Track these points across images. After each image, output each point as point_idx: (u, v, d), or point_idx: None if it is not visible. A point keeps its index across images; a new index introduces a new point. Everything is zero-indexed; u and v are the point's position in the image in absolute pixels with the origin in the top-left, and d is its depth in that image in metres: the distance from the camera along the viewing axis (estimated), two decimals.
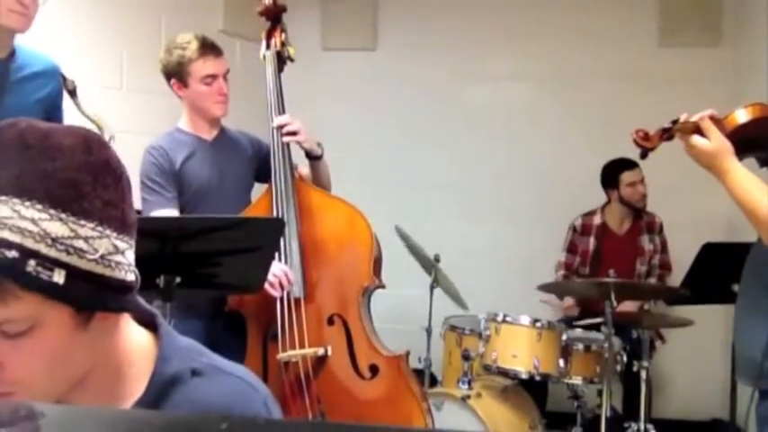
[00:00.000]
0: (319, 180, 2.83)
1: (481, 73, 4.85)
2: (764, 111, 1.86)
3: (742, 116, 1.85)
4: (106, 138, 2.36)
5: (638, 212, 4.19)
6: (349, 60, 4.96)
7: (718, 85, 4.42)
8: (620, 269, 3.66)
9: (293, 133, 2.73)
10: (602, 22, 4.68)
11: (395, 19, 4.94)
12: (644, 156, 1.88)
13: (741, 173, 1.76)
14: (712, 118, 1.82)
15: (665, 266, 4.15)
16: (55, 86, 2.48)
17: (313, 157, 2.80)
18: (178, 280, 2.12)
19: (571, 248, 4.33)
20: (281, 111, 2.80)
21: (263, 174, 2.86)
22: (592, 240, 4.26)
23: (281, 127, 2.74)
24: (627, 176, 4.12)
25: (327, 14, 4.99)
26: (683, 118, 1.84)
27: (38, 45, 2.53)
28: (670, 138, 1.84)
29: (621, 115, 4.60)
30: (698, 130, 1.80)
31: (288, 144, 2.76)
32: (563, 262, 4.33)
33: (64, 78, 2.44)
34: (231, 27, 4.42)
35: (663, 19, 4.60)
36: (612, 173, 4.18)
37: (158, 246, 2.06)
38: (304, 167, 2.84)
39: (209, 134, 2.81)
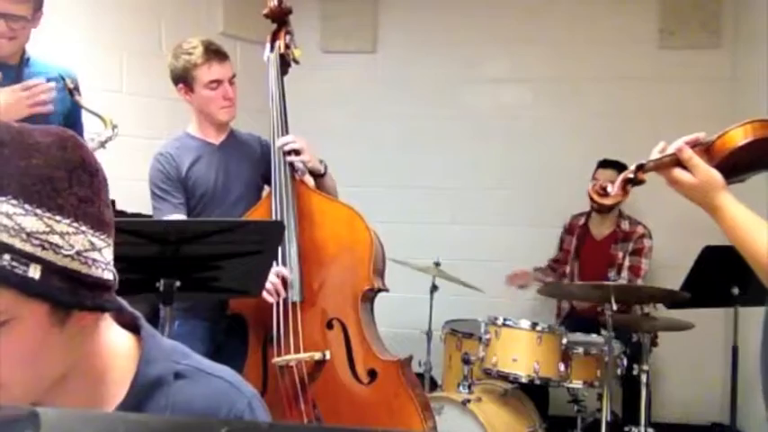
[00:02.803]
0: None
1: (480, 75, 4.85)
2: (763, 130, 1.55)
3: (738, 137, 1.55)
4: (110, 129, 2.37)
5: (617, 221, 4.11)
6: (348, 63, 4.96)
7: (717, 87, 4.43)
8: (593, 274, 3.63)
9: (297, 153, 2.71)
10: (602, 24, 4.68)
11: (394, 22, 4.94)
12: (598, 210, 1.71)
13: (735, 210, 1.53)
14: (697, 144, 1.57)
15: (633, 270, 4.01)
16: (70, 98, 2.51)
17: (317, 176, 2.78)
18: (178, 284, 2.11)
19: (561, 246, 4.34)
20: (284, 114, 2.78)
21: (269, 175, 2.84)
22: (573, 240, 4.26)
23: (283, 145, 2.71)
24: (597, 174, 4.06)
25: (327, 17, 4.99)
26: (659, 149, 1.58)
27: (38, 48, 2.54)
28: (639, 183, 1.59)
29: (621, 118, 4.61)
30: (679, 162, 1.54)
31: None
32: (554, 258, 4.35)
33: (63, 78, 2.44)
34: (231, 30, 4.42)
35: (663, 21, 4.60)
36: (594, 171, 4.12)
37: (158, 249, 2.06)
38: (310, 179, 2.82)
39: (216, 138, 2.81)
